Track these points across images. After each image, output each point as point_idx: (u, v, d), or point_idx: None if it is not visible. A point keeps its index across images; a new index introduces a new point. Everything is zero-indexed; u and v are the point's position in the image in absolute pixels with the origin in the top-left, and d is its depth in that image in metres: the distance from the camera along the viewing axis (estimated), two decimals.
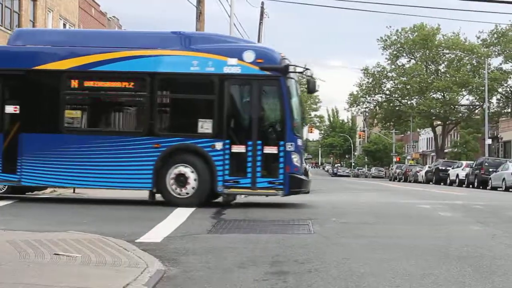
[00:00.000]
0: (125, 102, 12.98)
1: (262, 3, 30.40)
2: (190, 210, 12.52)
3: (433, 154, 74.80)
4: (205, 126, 11.59)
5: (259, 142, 11.33)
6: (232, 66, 11.45)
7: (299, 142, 11.60)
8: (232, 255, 8.07)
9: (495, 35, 62.57)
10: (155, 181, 11.75)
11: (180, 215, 11.94)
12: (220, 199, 12.98)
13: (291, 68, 11.49)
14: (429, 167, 51.90)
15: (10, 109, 12.19)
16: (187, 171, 11.62)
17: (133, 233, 9.46)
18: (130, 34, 13.60)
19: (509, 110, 65.99)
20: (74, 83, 12.11)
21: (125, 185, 12.25)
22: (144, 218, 11.65)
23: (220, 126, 11.49)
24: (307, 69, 12.20)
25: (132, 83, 12.22)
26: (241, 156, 11.41)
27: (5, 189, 15.75)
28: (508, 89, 65.14)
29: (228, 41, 12.69)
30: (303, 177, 11.70)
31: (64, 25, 31.84)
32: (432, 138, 73.13)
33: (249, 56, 11.43)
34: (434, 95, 64.10)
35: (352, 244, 9.19)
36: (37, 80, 12.33)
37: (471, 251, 8.21)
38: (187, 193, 11.62)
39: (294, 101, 11.71)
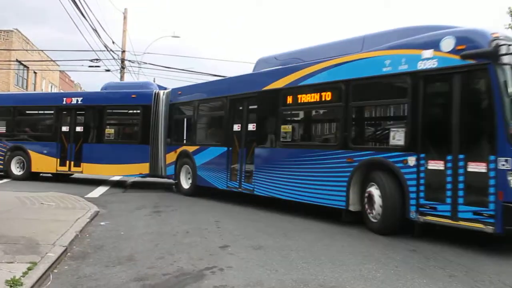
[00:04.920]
0: (321, 113, 10.92)
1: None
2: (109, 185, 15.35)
3: None
4: (397, 136, 8.59)
5: (461, 156, 7.56)
6: (426, 60, 8.12)
7: None
8: (134, 203, 11.44)
9: None
10: (349, 199, 9.21)
11: (106, 186, 15.16)
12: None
13: (503, 50, 7.23)
14: None
15: (250, 126, 11.80)
16: (375, 193, 8.77)
17: (83, 193, 12.73)
18: (332, 45, 10.75)
19: None
20: (289, 99, 10.80)
21: (320, 201, 9.80)
22: (89, 187, 14.86)
23: (413, 137, 8.23)
24: None
25: (326, 94, 10.07)
26: (439, 174, 7.80)
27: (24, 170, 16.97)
28: None
29: (425, 29, 8.65)
30: None
31: (51, 87, 44.98)
32: None
33: (447, 44, 7.87)
34: None
35: (195, 198, 12.60)
36: (264, 99, 11.36)
37: None
38: (375, 218, 8.76)
39: None
